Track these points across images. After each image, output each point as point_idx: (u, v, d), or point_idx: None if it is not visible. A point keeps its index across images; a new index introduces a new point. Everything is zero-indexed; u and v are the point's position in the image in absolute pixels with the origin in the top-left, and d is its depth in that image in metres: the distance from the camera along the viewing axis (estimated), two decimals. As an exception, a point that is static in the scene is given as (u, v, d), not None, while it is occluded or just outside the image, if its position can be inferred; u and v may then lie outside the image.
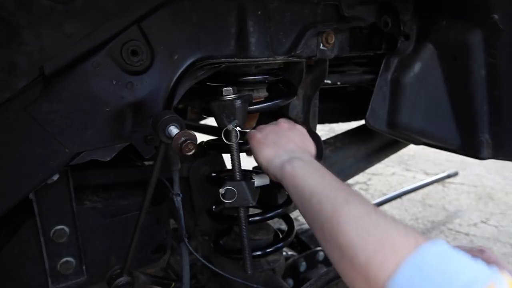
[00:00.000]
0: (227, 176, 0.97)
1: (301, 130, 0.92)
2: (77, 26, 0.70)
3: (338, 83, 1.23)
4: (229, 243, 1.16)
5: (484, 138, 1.11)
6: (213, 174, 1.19)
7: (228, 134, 0.88)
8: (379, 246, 0.56)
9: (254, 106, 0.97)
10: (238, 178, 0.91)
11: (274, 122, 0.94)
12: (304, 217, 0.73)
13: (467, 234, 2.67)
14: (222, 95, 0.87)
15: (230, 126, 0.86)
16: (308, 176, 0.74)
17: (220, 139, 0.91)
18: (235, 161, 0.91)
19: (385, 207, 3.04)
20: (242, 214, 0.93)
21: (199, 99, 1.22)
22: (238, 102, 0.87)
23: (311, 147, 0.90)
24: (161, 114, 0.74)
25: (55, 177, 0.80)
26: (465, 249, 1.07)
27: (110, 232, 1.00)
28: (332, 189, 0.69)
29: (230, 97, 0.87)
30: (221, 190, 0.88)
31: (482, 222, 2.82)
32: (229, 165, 1.14)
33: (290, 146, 0.84)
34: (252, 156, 0.90)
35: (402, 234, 0.56)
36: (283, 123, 0.92)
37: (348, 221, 0.61)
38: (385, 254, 0.55)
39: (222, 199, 0.89)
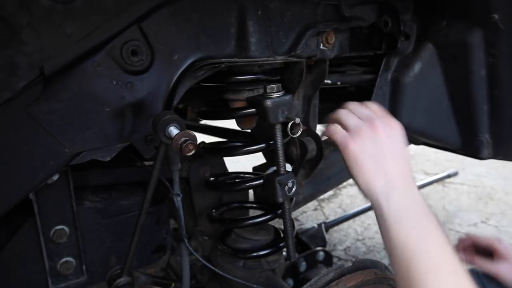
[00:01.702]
0: (270, 172, 0.99)
1: (400, 132, 0.79)
2: (77, 26, 0.70)
3: (338, 83, 1.22)
4: (230, 244, 1.16)
5: (484, 138, 1.11)
6: (212, 179, 1.19)
7: (295, 127, 0.91)
8: None
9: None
10: (283, 172, 0.95)
11: (367, 118, 0.80)
12: (391, 263, 0.69)
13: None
14: (269, 92, 0.90)
15: (298, 120, 0.89)
16: (402, 224, 0.68)
17: (244, 142, 0.93)
18: (282, 155, 0.94)
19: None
20: (288, 206, 0.97)
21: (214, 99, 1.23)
22: (290, 97, 0.92)
23: (407, 155, 0.78)
24: (161, 114, 0.74)
25: (55, 177, 0.80)
26: (484, 239, 1.07)
27: (110, 232, 1.00)
28: (423, 249, 0.64)
29: (281, 93, 0.91)
30: (289, 183, 0.92)
31: (482, 222, 2.82)
32: (229, 167, 1.14)
33: (393, 170, 0.74)
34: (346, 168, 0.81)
35: None
36: (381, 126, 0.78)
37: None
38: None
39: (287, 194, 0.93)
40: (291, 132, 0.92)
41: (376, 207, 0.73)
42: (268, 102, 0.89)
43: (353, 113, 0.83)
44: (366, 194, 0.76)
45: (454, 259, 0.65)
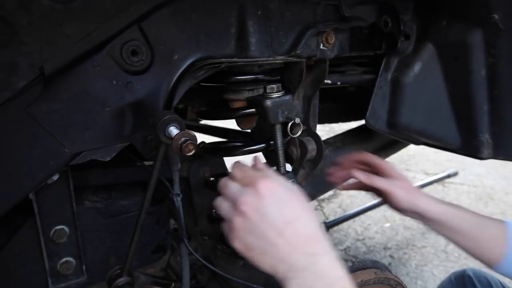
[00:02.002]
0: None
1: (269, 194, 0.65)
2: (77, 26, 0.70)
3: (338, 83, 1.23)
4: (230, 243, 1.16)
5: (484, 138, 1.11)
6: (212, 179, 1.19)
7: (295, 128, 0.92)
8: None
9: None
10: (283, 172, 0.95)
11: (233, 200, 0.67)
12: None
13: (467, 234, 2.67)
14: (268, 92, 0.90)
15: (298, 120, 0.90)
16: None
17: (244, 142, 0.93)
18: (282, 155, 0.94)
19: (385, 207, 3.04)
20: None
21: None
22: (290, 97, 0.92)
23: (296, 210, 0.66)
24: (161, 114, 0.74)
25: (55, 177, 0.80)
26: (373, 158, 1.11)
27: (110, 232, 1.00)
28: None
29: (281, 93, 0.91)
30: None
31: (482, 222, 2.82)
32: (229, 167, 1.13)
33: (281, 253, 0.63)
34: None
35: None
36: (245, 205, 0.65)
37: None
38: None
39: None
40: (291, 132, 0.92)
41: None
42: (268, 102, 0.89)
43: (224, 193, 0.71)
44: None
45: None
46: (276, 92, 0.90)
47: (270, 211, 0.64)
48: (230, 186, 0.70)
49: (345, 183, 1.20)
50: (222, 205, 0.70)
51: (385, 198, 1.09)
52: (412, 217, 1.08)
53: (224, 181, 0.73)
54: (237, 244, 0.67)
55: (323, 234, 0.66)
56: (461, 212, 1.04)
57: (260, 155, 1.15)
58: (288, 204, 0.66)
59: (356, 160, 1.16)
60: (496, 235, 1.01)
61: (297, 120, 0.90)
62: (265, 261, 0.65)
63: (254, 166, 0.77)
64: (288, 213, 0.65)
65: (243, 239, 0.66)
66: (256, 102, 0.93)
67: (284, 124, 0.93)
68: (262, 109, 0.91)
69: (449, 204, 1.06)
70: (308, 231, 0.65)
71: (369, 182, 1.07)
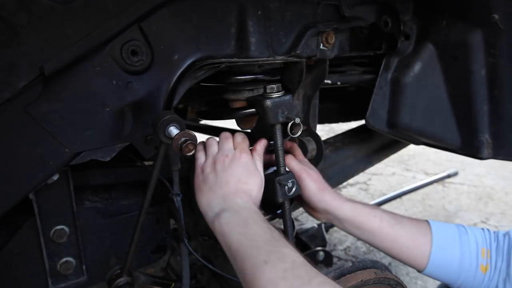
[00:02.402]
0: (270, 172, 0.98)
1: (244, 162, 0.86)
2: (77, 26, 0.70)
3: (338, 83, 1.23)
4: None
5: (484, 138, 1.11)
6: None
7: (295, 128, 0.92)
8: None
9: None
10: (283, 172, 0.95)
11: (222, 149, 0.89)
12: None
13: (467, 234, 2.67)
14: (268, 92, 0.90)
15: (298, 120, 0.90)
16: (233, 232, 0.74)
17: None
18: (282, 155, 0.95)
19: (385, 207, 3.04)
20: (288, 206, 0.97)
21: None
22: (290, 97, 0.93)
23: (252, 181, 0.86)
24: (161, 114, 0.74)
25: (55, 177, 0.80)
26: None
27: (110, 232, 1.00)
28: (253, 247, 0.69)
29: (281, 93, 0.91)
30: (289, 183, 0.93)
31: (482, 222, 2.82)
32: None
33: (224, 191, 0.82)
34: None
35: None
36: (227, 156, 0.87)
37: (265, 286, 0.63)
38: None
39: (287, 194, 0.94)
40: (291, 132, 0.92)
41: (215, 234, 0.79)
42: (268, 102, 0.89)
43: (219, 142, 0.92)
44: (204, 216, 0.84)
45: (284, 251, 0.68)
46: (276, 92, 0.91)
47: (237, 169, 0.85)
48: (226, 141, 0.91)
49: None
50: (212, 147, 0.90)
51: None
52: (321, 218, 1.04)
53: (226, 136, 0.93)
54: (200, 176, 0.87)
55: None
56: (372, 209, 0.99)
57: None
58: (250, 176, 0.86)
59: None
60: (416, 233, 0.96)
61: (297, 120, 0.90)
62: (207, 195, 0.83)
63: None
64: (247, 178, 0.85)
65: (207, 174, 0.85)
66: (256, 102, 0.93)
67: (284, 124, 0.93)
68: (262, 109, 0.91)
69: (361, 202, 1.02)
70: (251, 194, 0.84)
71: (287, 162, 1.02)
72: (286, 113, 0.91)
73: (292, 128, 0.92)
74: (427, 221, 1.00)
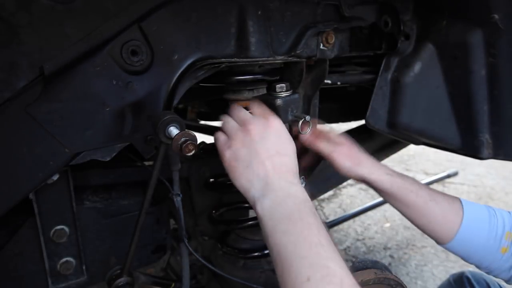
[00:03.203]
0: None
1: (275, 129, 0.78)
2: (77, 26, 0.70)
3: (338, 83, 1.22)
4: (230, 244, 1.16)
5: (484, 138, 1.11)
6: (212, 180, 1.18)
7: (304, 126, 0.91)
8: None
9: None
10: None
11: (243, 121, 0.80)
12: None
13: (467, 234, 2.67)
14: (278, 92, 0.90)
15: (308, 118, 0.90)
16: (276, 229, 0.66)
17: None
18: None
19: (385, 207, 3.04)
20: None
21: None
22: (298, 96, 0.93)
23: (290, 149, 0.78)
24: (161, 115, 0.74)
25: (55, 177, 0.80)
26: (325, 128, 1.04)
27: (110, 232, 1.00)
28: (296, 256, 0.61)
29: (289, 92, 0.91)
30: (300, 181, 0.91)
31: (482, 222, 2.82)
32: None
33: (266, 169, 0.72)
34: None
35: None
36: (253, 126, 0.77)
37: None
38: None
39: None
40: (302, 131, 0.92)
41: (254, 210, 0.72)
42: (279, 101, 0.89)
43: (232, 117, 0.83)
44: (244, 194, 0.75)
45: (330, 268, 0.60)
46: (285, 91, 0.90)
47: (270, 139, 0.76)
48: (243, 112, 0.83)
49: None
50: (230, 123, 0.81)
51: (330, 164, 1.03)
52: (360, 181, 1.04)
53: (224, 118, 0.84)
54: (227, 153, 0.77)
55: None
56: (410, 184, 1.00)
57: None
58: (285, 143, 0.77)
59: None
60: (448, 211, 0.97)
61: (307, 118, 0.90)
62: (245, 174, 0.73)
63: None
64: (282, 148, 0.76)
65: (236, 150, 0.76)
66: (265, 101, 0.93)
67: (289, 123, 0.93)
68: (273, 108, 0.90)
69: (398, 175, 1.02)
70: (292, 167, 0.76)
71: (311, 145, 1.02)
72: (295, 111, 0.91)
73: (302, 126, 0.92)
74: (459, 199, 1.01)
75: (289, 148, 0.78)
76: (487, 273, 1.01)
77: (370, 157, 1.03)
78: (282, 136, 0.78)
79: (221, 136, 0.82)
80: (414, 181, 1.03)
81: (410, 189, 0.99)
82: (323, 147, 1.01)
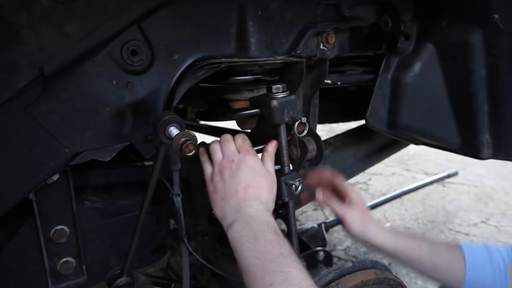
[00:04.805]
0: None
1: (249, 164, 0.86)
2: (77, 26, 0.70)
3: (338, 83, 1.22)
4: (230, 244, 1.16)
5: (484, 138, 1.11)
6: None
7: (301, 127, 0.92)
8: None
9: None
10: (288, 171, 0.95)
11: (226, 155, 0.88)
12: None
13: (467, 234, 2.67)
14: (274, 92, 0.90)
15: (304, 119, 0.90)
16: (243, 248, 0.75)
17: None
18: (287, 154, 0.95)
19: (385, 207, 3.04)
20: (292, 205, 0.97)
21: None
22: (295, 97, 0.93)
23: (261, 183, 0.86)
24: (161, 115, 0.74)
25: (55, 177, 0.80)
26: (340, 184, 1.09)
27: (110, 232, 1.00)
28: (260, 268, 0.70)
29: (286, 93, 0.91)
30: (296, 182, 0.92)
31: (482, 222, 2.82)
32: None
33: (235, 200, 0.83)
34: None
35: None
36: (232, 162, 0.86)
37: None
38: None
39: (295, 192, 0.94)
40: (298, 132, 0.92)
41: (228, 238, 0.81)
42: (275, 102, 0.89)
43: (221, 147, 0.91)
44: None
45: (289, 274, 0.67)
46: (282, 92, 0.90)
47: (245, 173, 0.85)
48: (229, 144, 0.90)
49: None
50: (217, 154, 0.90)
51: (340, 221, 1.11)
52: (365, 245, 1.11)
53: (227, 138, 0.92)
54: (210, 186, 0.88)
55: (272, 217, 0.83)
56: (412, 241, 1.07)
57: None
58: (257, 176, 0.86)
59: (321, 176, 1.15)
60: (452, 260, 1.03)
61: (304, 120, 0.90)
62: (220, 205, 0.84)
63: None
64: (254, 181, 0.85)
65: (216, 183, 0.86)
66: (261, 102, 0.93)
67: (287, 124, 0.93)
68: (269, 109, 0.90)
69: (401, 234, 1.10)
70: (260, 197, 0.84)
71: (327, 204, 1.10)
72: (291, 113, 0.91)
73: (298, 127, 0.92)
74: (459, 245, 1.06)
75: (261, 181, 0.86)
76: None
77: (374, 219, 1.10)
78: (256, 171, 0.86)
79: (208, 168, 0.91)
80: (415, 237, 1.12)
81: (413, 245, 1.06)
82: (337, 207, 1.08)
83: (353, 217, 1.06)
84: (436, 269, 1.04)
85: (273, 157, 0.94)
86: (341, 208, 1.07)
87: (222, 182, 0.85)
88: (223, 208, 0.84)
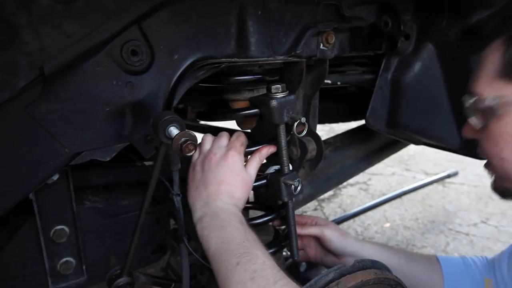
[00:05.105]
0: (273, 172, 0.99)
1: (229, 162, 0.86)
2: (77, 26, 0.70)
3: (338, 83, 1.23)
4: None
5: (484, 138, 1.10)
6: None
7: (300, 127, 0.92)
8: None
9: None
10: (287, 171, 0.95)
11: (213, 147, 0.90)
12: None
13: (467, 234, 2.67)
14: (274, 92, 0.90)
15: (303, 119, 0.90)
16: (210, 235, 0.78)
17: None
18: (286, 155, 0.95)
19: (385, 207, 3.05)
20: (292, 205, 0.98)
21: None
22: (295, 97, 0.93)
23: (237, 182, 0.87)
24: (161, 114, 0.74)
25: (55, 177, 0.80)
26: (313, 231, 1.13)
27: (110, 232, 1.00)
28: (227, 250, 0.74)
29: (285, 93, 0.91)
30: (295, 182, 0.92)
31: (482, 222, 2.82)
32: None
33: (208, 192, 0.85)
34: None
35: None
36: (215, 155, 0.87)
37: (235, 287, 0.69)
38: None
39: (294, 192, 0.94)
40: (297, 132, 0.92)
41: (196, 230, 0.84)
42: (274, 103, 0.89)
43: (213, 140, 0.93)
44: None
45: (255, 254, 0.73)
46: (281, 92, 0.90)
47: (223, 169, 0.86)
48: (220, 140, 0.92)
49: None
50: (206, 144, 0.91)
51: (321, 244, 1.13)
52: (340, 262, 1.13)
53: (223, 135, 0.94)
54: (190, 173, 0.90)
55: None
56: (390, 251, 1.11)
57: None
58: (233, 175, 0.87)
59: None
60: (429, 271, 1.06)
61: (303, 120, 0.90)
62: (193, 194, 0.87)
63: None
64: (229, 178, 0.86)
65: (196, 172, 0.88)
66: (261, 102, 0.92)
67: (286, 124, 0.93)
68: (268, 109, 0.90)
69: (379, 244, 1.15)
70: (231, 194, 0.86)
71: (303, 232, 1.12)
72: (290, 113, 0.91)
73: (297, 127, 0.92)
74: (435, 256, 1.10)
75: (237, 179, 0.87)
76: None
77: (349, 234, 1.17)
78: (234, 169, 0.87)
79: (195, 156, 0.92)
80: (392, 247, 1.18)
81: (391, 252, 1.11)
82: (313, 230, 1.12)
83: (331, 231, 1.10)
84: (414, 278, 1.05)
85: (262, 160, 0.94)
86: (316, 228, 1.11)
87: (200, 173, 0.87)
88: (194, 197, 0.87)
